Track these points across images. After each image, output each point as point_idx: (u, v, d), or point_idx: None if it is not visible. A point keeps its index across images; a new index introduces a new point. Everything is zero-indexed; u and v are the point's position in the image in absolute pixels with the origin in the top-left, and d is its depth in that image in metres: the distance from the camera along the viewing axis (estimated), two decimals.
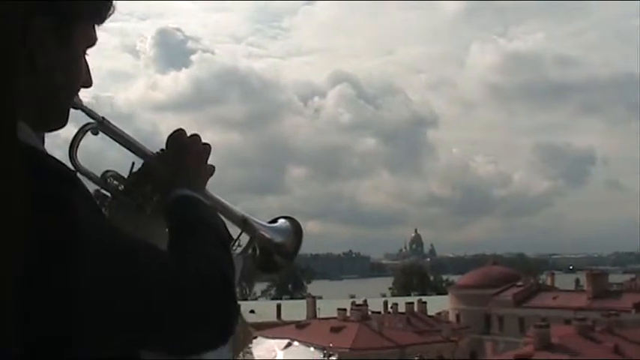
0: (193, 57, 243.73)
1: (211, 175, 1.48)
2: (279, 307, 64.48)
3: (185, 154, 1.45)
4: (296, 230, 1.64)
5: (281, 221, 1.64)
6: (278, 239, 1.61)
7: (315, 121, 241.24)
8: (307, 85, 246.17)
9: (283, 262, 1.63)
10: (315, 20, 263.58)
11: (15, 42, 0.90)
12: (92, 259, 1.06)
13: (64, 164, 1.18)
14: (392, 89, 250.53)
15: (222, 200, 1.55)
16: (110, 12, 1.36)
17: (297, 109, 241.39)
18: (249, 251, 1.56)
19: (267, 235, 1.60)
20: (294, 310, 60.49)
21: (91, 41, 1.34)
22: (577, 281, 62.37)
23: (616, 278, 65.52)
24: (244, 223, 1.55)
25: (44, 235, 1.00)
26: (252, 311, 59.52)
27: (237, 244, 1.51)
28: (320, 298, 71.56)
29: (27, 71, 1.18)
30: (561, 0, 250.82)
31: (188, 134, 1.47)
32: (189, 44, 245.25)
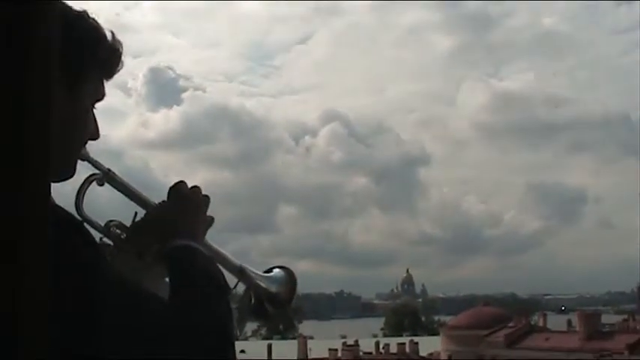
0: (184, 95, 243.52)
1: (210, 225, 1.55)
2: (270, 347, 63.72)
3: (185, 205, 1.51)
4: (290, 280, 1.70)
5: (276, 271, 1.70)
6: (273, 288, 1.67)
7: (307, 159, 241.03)
8: (299, 123, 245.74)
9: (277, 311, 1.69)
10: (307, 59, 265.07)
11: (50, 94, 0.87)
12: (95, 303, 1.11)
13: (70, 213, 1.25)
14: (383, 128, 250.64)
15: (220, 250, 1.61)
16: (119, 67, 1.43)
17: (288, 148, 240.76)
18: (245, 300, 1.62)
19: (262, 285, 1.66)
20: (286, 350, 59.95)
21: (99, 95, 1.41)
22: (569, 322, 61.91)
23: (608, 318, 65.25)
24: (241, 273, 1.61)
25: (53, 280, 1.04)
26: (242, 351, 58.85)
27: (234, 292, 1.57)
28: (311, 338, 70.96)
29: None
30: (551, 39, 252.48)
31: (189, 186, 1.54)
32: (181, 82, 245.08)
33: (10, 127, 0.76)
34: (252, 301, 1.65)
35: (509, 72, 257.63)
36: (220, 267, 1.52)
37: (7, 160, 0.75)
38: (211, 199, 1.55)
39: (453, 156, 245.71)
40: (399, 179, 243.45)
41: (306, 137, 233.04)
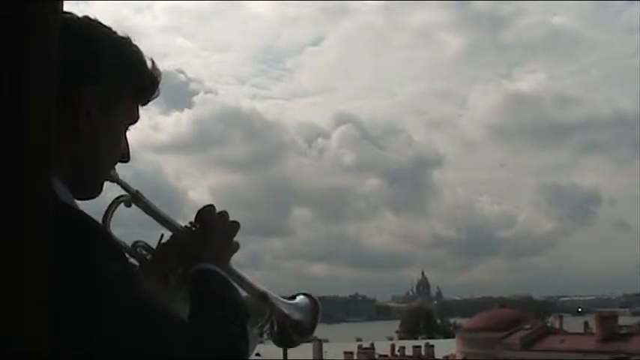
0: (196, 98, 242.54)
1: (235, 251, 1.56)
2: (285, 350, 63.89)
3: (212, 229, 1.52)
4: (313, 308, 1.69)
5: (300, 297, 1.70)
6: (296, 316, 1.66)
7: (319, 162, 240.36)
8: (311, 126, 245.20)
9: (299, 339, 1.68)
10: (318, 61, 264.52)
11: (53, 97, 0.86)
12: (109, 312, 1.13)
13: (91, 217, 1.26)
14: (395, 129, 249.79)
15: (244, 275, 1.61)
16: (155, 95, 1.45)
17: (301, 150, 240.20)
18: (267, 326, 1.61)
19: (285, 311, 1.65)
20: (301, 353, 59.85)
21: (134, 118, 1.43)
22: (586, 324, 61.51)
23: (625, 320, 64.82)
24: (264, 299, 1.61)
25: (65, 284, 1.02)
26: (257, 354, 58.96)
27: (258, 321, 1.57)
28: (326, 341, 70.91)
29: (69, 137, 1.26)
30: (562, 38, 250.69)
31: (217, 211, 1.55)
32: (192, 85, 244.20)
33: (10, 127, 0.76)
34: (275, 327, 1.64)
35: (520, 72, 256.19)
36: (243, 292, 1.53)
37: (8, 160, 0.76)
38: (223, 202, 1.57)
39: (466, 157, 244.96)
40: (411, 181, 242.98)
41: (319, 139, 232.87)
